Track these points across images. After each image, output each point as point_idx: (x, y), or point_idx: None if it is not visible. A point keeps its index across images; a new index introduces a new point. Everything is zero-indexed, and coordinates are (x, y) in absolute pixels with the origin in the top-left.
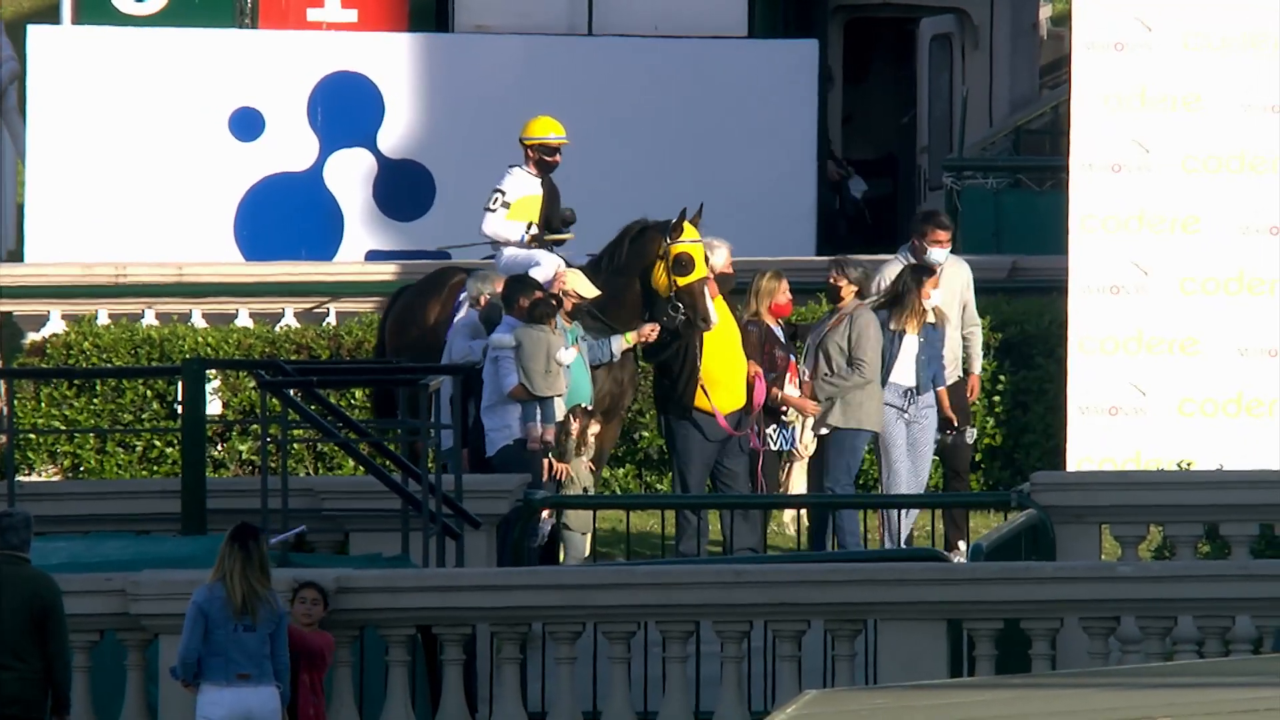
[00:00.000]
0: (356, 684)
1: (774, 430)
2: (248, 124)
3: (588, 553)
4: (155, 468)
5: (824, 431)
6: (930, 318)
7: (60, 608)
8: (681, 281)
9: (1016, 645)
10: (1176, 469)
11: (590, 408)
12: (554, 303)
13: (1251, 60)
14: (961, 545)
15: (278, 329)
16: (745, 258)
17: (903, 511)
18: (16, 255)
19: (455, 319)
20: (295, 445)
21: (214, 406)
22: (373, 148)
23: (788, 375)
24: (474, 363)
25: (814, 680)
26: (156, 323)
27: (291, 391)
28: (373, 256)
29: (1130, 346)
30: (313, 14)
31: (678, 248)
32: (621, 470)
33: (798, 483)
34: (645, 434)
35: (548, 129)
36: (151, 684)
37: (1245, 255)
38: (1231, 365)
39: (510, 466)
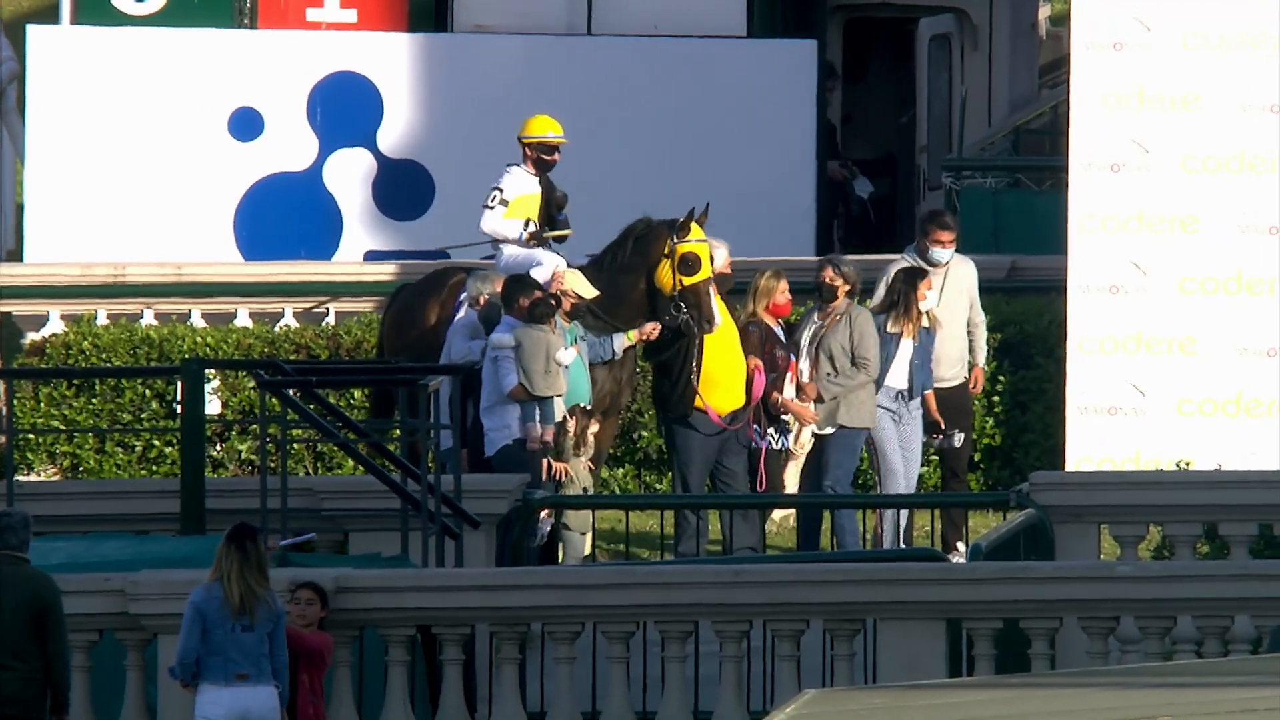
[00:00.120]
0: (356, 684)
1: (774, 430)
2: (247, 124)
3: (588, 551)
4: (154, 468)
5: (829, 430)
6: (924, 321)
7: (59, 607)
8: (687, 281)
9: (1015, 645)
10: (1175, 469)
11: (589, 407)
12: (553, 302)
13: (1250, 60)
14: (960, 545)
15: (277, 329)
16: (744, 258)
17: (899, 512)
18: (16, 255)
19: (455, 319)
20: (294, 445)
21: (213, 406)
22: (372, 148)
23: (788, 375)
24: (473, 363)
25: (813, 680)
26: (156, 323)
27: (291, 391)
28: (372, 256)
29: (1129, 346)
30: (312, 14)
31: (684, 247)
32: (621, 470)
33: (792, 482)
34: (644, 434)
35: (546, 128)
36: (151, 684)
37: (1244, 255)
38: (1230, 365)
39: (510, 466)
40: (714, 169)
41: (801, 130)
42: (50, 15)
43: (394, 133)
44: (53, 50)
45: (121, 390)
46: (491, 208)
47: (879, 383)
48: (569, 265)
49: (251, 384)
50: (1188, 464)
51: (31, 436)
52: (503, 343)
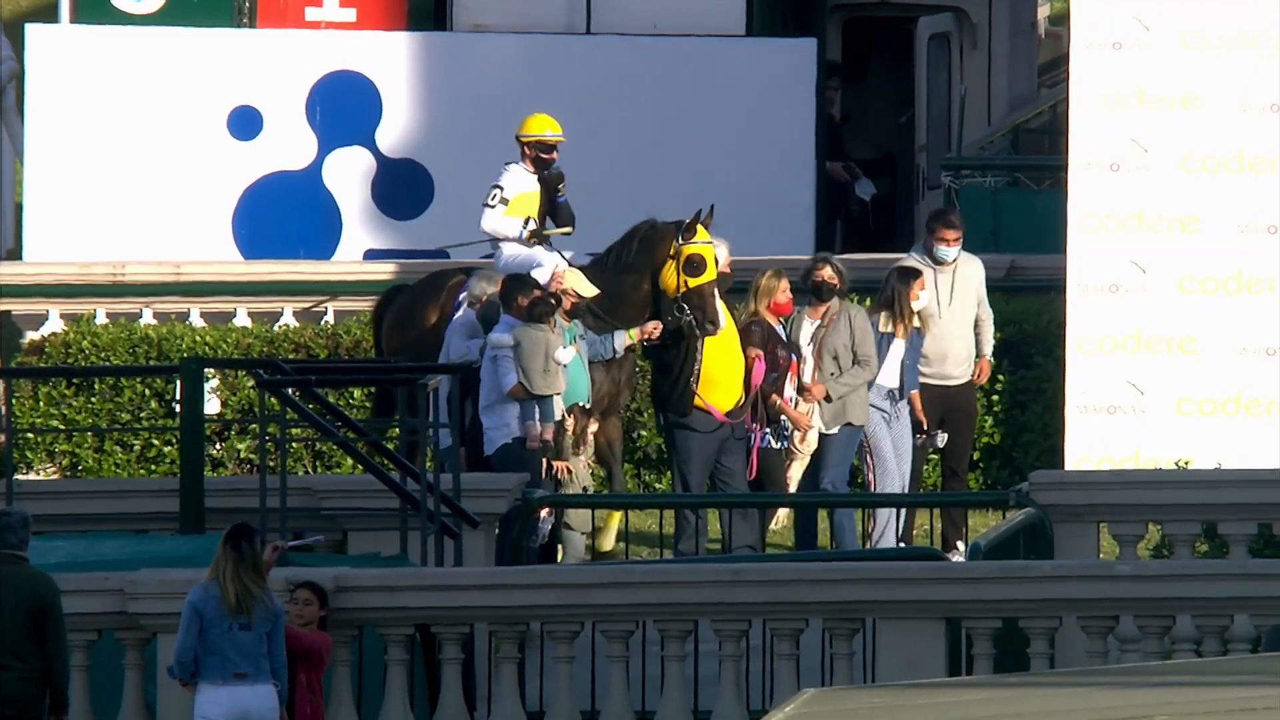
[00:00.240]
0: (355, 683)
1: (769, 430)
2: (246, 123)
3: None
4: (153, 467)
5: (834, 430)
6: (915, 321)
7: (58, 607)
8: (692, 282)
9: (1015, 644)
10: (1175, 468)
11: (588, 406)
12: (552, 301)
13: (1250, 59)
14: (960, 544)
15: (276, 328)
16: (743, 257)
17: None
18: (15, 254)
19: (454, 318)
20: (294, 444)
21: (212, 405)
22: (371, 147)
23: (788, 375)
24: (471, 362)
25: (812, 679)
26: (155, 322)
27: (290, 390)
28: (371, 255)
29: (1129, 345)
30: (311, 13)
31: (690, 248)
32: (605, 473)
33: (795, 482)
34: (644, 433)
35: (544, 126)
36: (150, 683)
37: (1244, 254)
38: (1230, 364)
39: (509, 465)
40: (713, 168)
41: (801, 129)
42: (49, 14)
43: (393, 132)
44: (52, 49)
45: (120, 389)
46: (492, 206)
47: (870, 382)
48: (570, 264)
49: (251, 383)
50: (1187, 463)
51: (31, 435)
52: (502, 342)
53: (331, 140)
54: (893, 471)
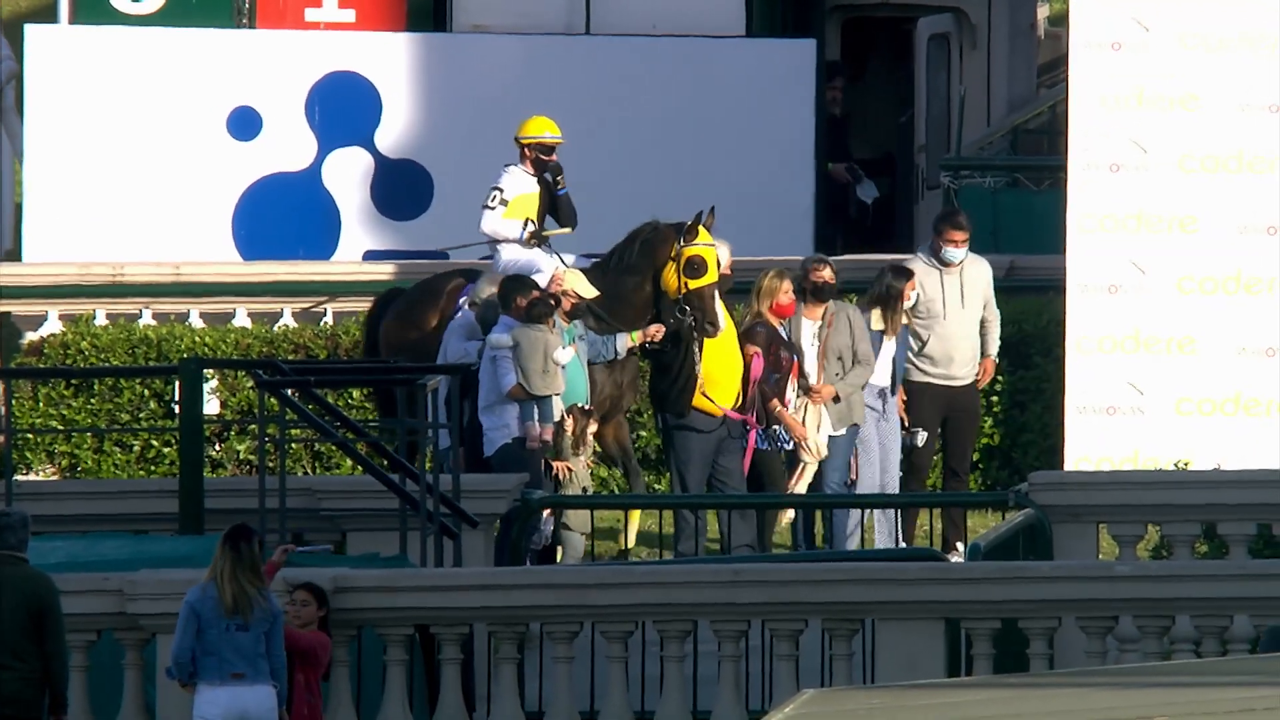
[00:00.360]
0: (354, 683)
1: (766, 432)
2: (245, 124)
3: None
4: (153, 467)
5: (841, 432)
6: (904, 320)
7: (58, 607)
8: (693, 284)
9: (1014, 645)
10: (1174, 468)
11: (587, 407)
12: (551, 302)
13: (1249, 60)
14: (959, 545)
15: (275, 329)
16: (742, 257)
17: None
18: (14, 255)
19: (453, 319)
20: (293, 445)
21: (212, 406)
22: (370, 147)
23: (790, 377)
24: (469, 364)
25: (811, 679)
26: (154, 322)
27: (289, 391)
28: (370, 256)
29: (1128, 346)
30: (310, 14)
31: (691, 250)
32: (619, 470)
33: (803, 485)
34: (643, 433)
35: (543, 128)
36: (149, 683)
37: (1243, 255)
38: (1229, 365)
39: (509, 466)
40: (712, 169)
41: (800, 130)
42: (48, 15)
43: (392, 132)
44: (51, 50)
45: (120, 390)
46: (492, 208)
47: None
48: (571, 265)
49: (250, 384)
50: (1186, 464)
51: (30, 436)
52: (501, 343)
53: (331, 141)
54: (888, 470)
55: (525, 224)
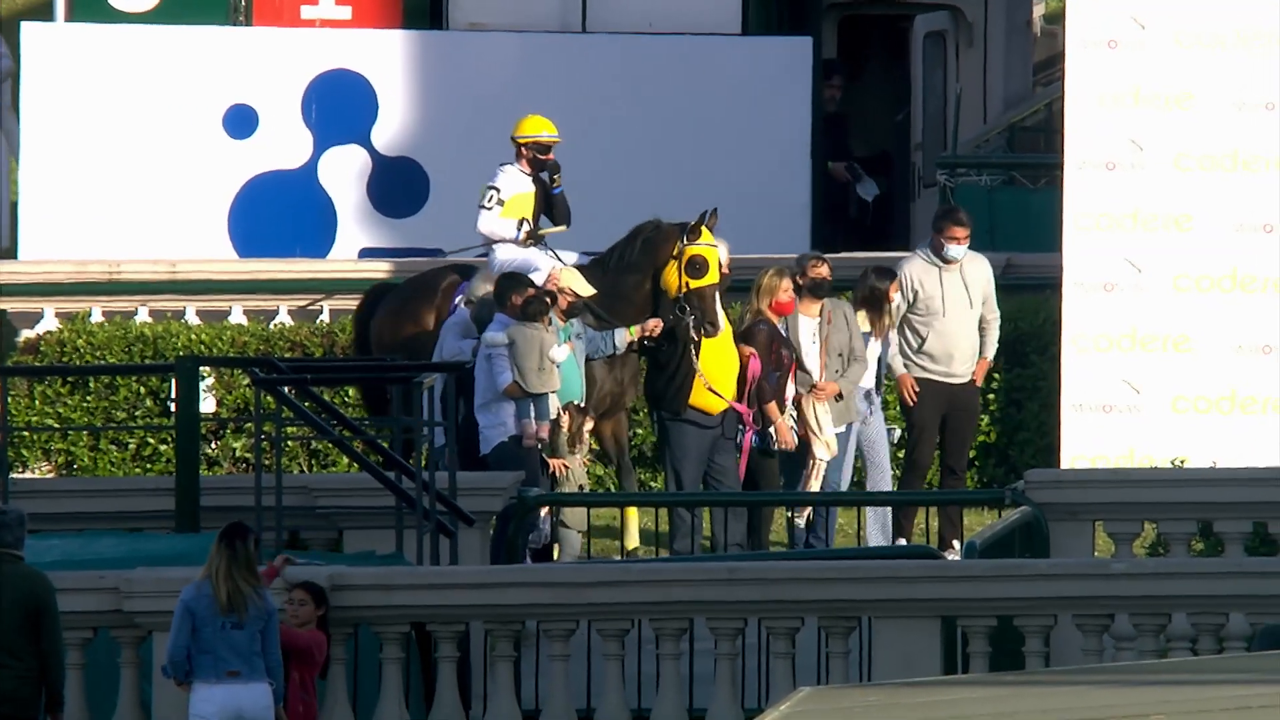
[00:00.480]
0: (350, 681)
1: (764, 432)
2: (241, 121)
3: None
4: (149, 465)
5: (841, 429)
6: (888, 320)
7: (54, 605)
8: (694, 284)
9: (1010, 642)
10: (1170, 466)
11: (583, 404)
12: (547, 300)
13: (1245, 58)
14: (956, 543)
15: (271, 326)
16: (738, 255)
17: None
18: (10, 252)
19: (449, 317)
20: (289, 442)
21: (208, 404)
22: (367, 145)
23: (789, 374)
24: (464, 362)
25: (808, 677)
26: (150, 320)
27: (285, 389)
28: (366, 254)
29: (1124, 344)
30: (307, 11)
31: (693, 249)
32: (615, 468)
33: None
34: (639, 431)
35: (540, 127)
36: (145, 681)
37: (1239, 253)
38: (1225, 363)
39: (506, 463)
40: (708, 167)
41: (796, 128)
42: (45, 13)
43: (389, 130)
44: (47, 47)
45: (116, 388)
46: (489, 208)
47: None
48: (573, 264)
49: (246, 381)
50: (1182, 461)
51: (26, 434)
52: (496, 341)
53: (327, 138)
54: (881, 467)
55: (521, 223)
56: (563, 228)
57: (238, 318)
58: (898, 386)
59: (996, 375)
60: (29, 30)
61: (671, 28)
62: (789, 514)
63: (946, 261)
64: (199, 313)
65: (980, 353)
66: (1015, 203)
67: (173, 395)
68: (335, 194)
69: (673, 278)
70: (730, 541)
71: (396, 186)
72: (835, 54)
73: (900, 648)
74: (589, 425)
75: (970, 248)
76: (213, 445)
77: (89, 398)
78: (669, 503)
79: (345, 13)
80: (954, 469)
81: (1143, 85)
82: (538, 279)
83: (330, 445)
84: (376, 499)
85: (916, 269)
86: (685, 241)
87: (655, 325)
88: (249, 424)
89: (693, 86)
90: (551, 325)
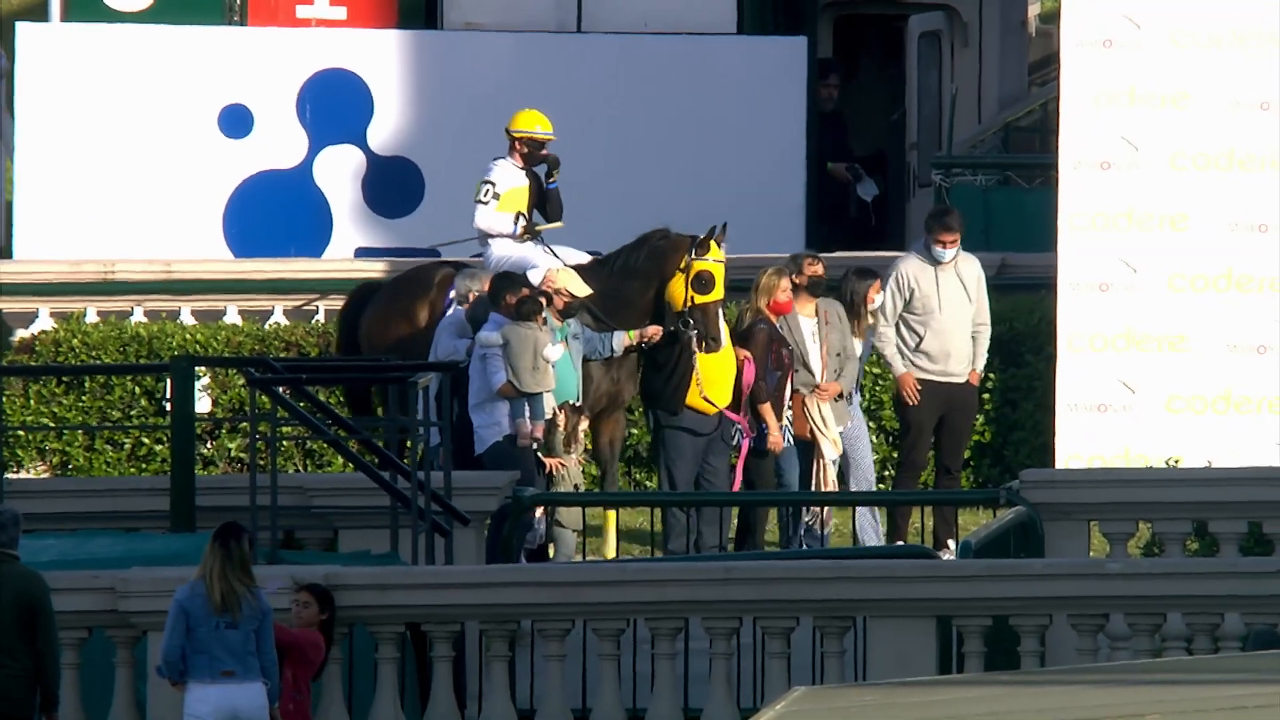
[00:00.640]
0: (346, 681)
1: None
2: (237, 121)
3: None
4: (144, 465)
5: (840, 428)
6: (869, 320)
7: (49, 605)
8: (699, 299)
9: (1005, 642)
10: (1165, 466)
11: (578, 404)
12: (541, 299)
13: (1240, 57)
14: (951, 542)
15: (267, 326)
16: (733, 255)
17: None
18: (5, 252)
19: (444, 316)
20: (284, 442)
21: (203, 404)
22: (362, 144)
23: (789, 374)
24: (458, 361)
25: (803, 677)
26: (145, 320)
27: (281, 389)
28: (362, 253)
29: (1119, 344)
30: (302, 11)
31: (700, 264)
32: (600, 474)
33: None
34: (634, 431)
35: (534, 123)
36: (140, 681)
37: (1234, 252)
38: (1220, 362)
39: (501, 463)
40: (704, 166)
41: (792, 127)
42: (40, 12)
43: (384, 130)
44: (42, 47)
45: (111, 387)
46: (485, 203)
47: None
48: (575, 263)
49: (241, 381)
50: (1177, 461)
51: (21, 434)
52: (490, 340)
53: (322, 138)
54: (868, 467)
55: (517, 217)
56: (557, 224)
57: (233, 317)
58: (898, 386)
59: (992, 375)
60: (24, 30)
61: (666, 28)
62: (806, 518)
63: (938, 262)
64: (194, 312)
65: (970, 363)
66: (1010, 202)
67: (168, 395)
68: (330, 194)
69: (679, 291)
70: (707, 544)
71: (392, 186)
72: (830, 54)
73: (895, 647)
74: (584, 425)
75: (965, 248)
76: (208, 445)
77: (84, 397)
78: (662, 502)
79: (340, 12)
80: (949, 468)
81: (1138, 85)
82: (535, 276)
83: (325, 445)
84: (371, 499)
85: (912, 268)
86: (693, 255)
87: (655, 332)
88: (244, 424)
89: (688, 86)
90: (546, 325)
